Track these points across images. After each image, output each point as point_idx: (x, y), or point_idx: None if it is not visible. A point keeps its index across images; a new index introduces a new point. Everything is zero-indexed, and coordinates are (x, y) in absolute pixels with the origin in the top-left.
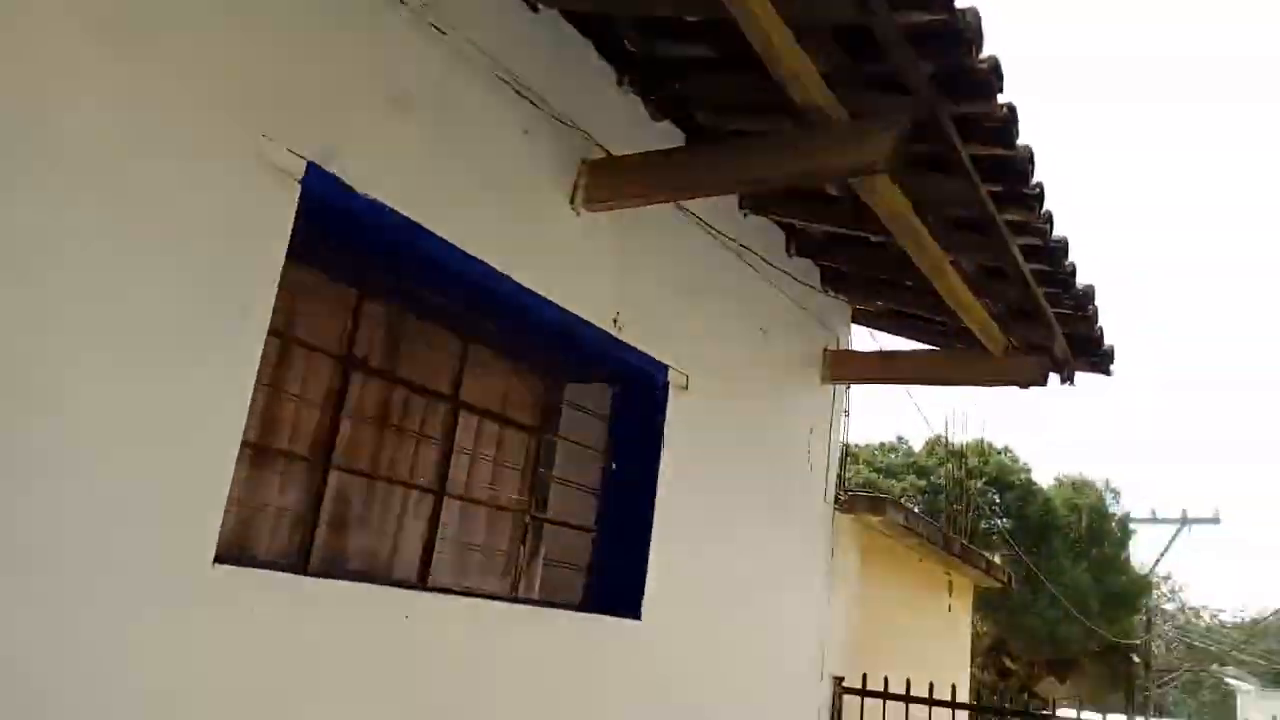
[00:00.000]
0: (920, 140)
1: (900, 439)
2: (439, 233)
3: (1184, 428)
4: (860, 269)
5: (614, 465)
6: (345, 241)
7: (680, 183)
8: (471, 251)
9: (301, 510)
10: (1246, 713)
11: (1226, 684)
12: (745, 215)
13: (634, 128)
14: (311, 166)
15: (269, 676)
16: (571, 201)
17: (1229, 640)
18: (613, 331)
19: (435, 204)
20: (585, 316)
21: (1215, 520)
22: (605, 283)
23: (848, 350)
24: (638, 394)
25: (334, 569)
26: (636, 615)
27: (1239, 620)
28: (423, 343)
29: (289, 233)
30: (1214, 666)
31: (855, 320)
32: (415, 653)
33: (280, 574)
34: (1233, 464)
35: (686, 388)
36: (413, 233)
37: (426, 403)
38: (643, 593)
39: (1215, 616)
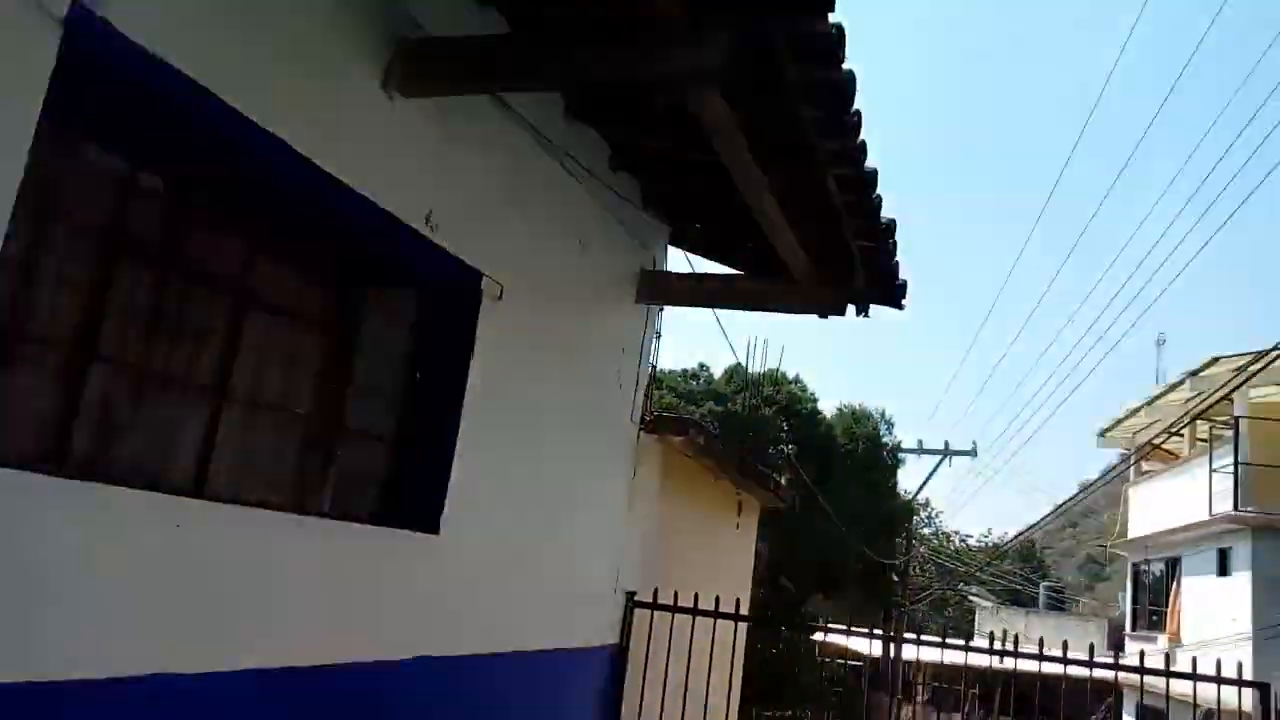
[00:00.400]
0: (750, 56)
1: (702, 366)
2: (231, 103)
3: (952, 367)
4: (680, 189)
5: (418, 374)
6: (118, 103)
7: (503, 73)
8: (268, 128)
9: (56, 407)
10: (984, 626)
11: (970, 601)
12: (570, 121)
13: (456, 10)
14: (76, 7)
15: (7, 582)
16: (384, 84)
17: (975, 562)
18: (424, 231)
19: (228, 70)
20: (395, 212)
21: (973, 453)
22: (419, 178)
23: (663, 271)
24: (448, 300)
25: (93, 472)
26: (434, 530)
27: (983, 544)
28: (207, 228)
29: (46, 86)
30: (961, 586)
31: (672, 242)
32: (188, 565)
33: (25, 474)
34: (990, 403)
35: (500, 297)
36: (200, 100)
37: (209, 296)
38: (442, 507)
39: (964, 540)
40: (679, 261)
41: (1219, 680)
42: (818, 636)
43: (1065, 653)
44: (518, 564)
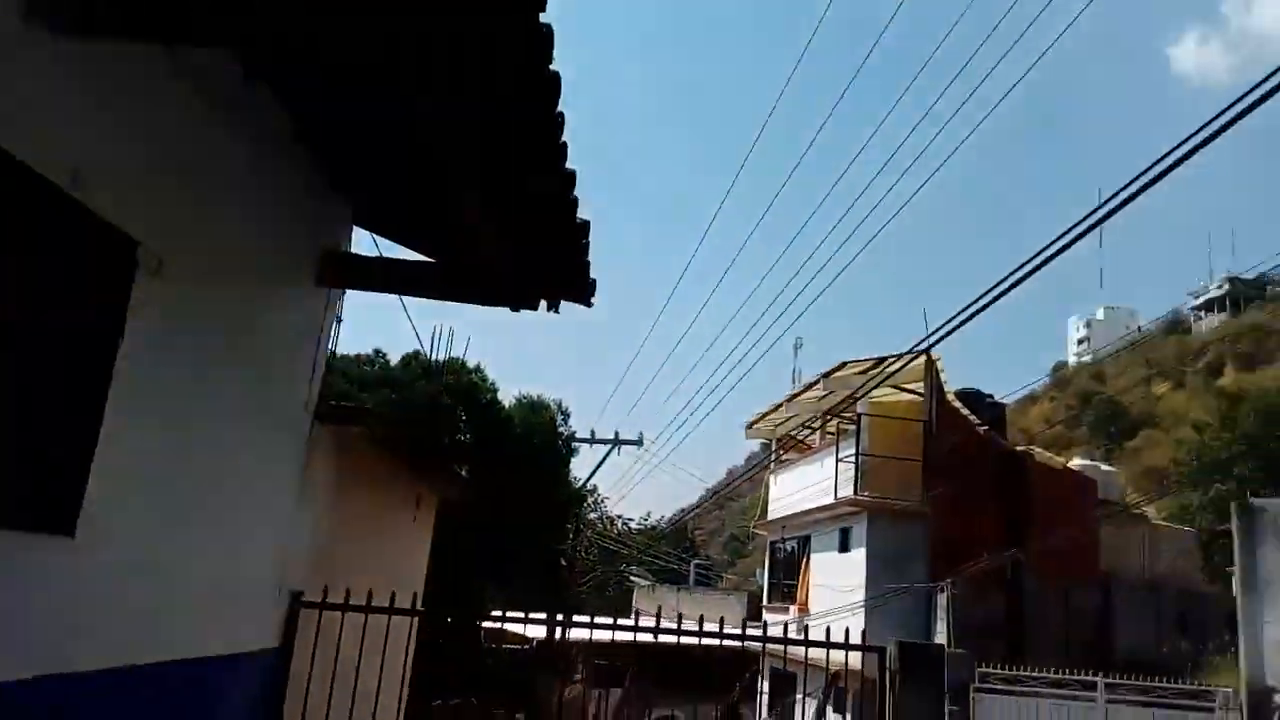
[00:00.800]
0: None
1: (378, 352)
2: None
3: (626, 361)
4: (372, 167)
5: (54, 352)
6: None
7: (167, 18)
8: None
9: None
10: (640, 604)
11: (630, 581)
12: (249, 83)
13: None
14: None
15: None
16: (26, 17)
17: (635, 544)
18: (70, 190)
19: None
20: (33, 165)
21: (639, 443)
22: (66, 130)
23: (348, 253)
24: (95, 271)
25: None
26: (69, 532)
27: (643, 527)
28: None
29: None
30: (623, 567)
31: (359, 223)
32: None
33: None
34: (658, 396)
35: (159, 271)
36: None
37: None
38: (79, 506)
39: (626, 524)
40: (366, 243)
41: (847, 646)
42: (491, 624)
43: (722, 628)
44: (169, 566)
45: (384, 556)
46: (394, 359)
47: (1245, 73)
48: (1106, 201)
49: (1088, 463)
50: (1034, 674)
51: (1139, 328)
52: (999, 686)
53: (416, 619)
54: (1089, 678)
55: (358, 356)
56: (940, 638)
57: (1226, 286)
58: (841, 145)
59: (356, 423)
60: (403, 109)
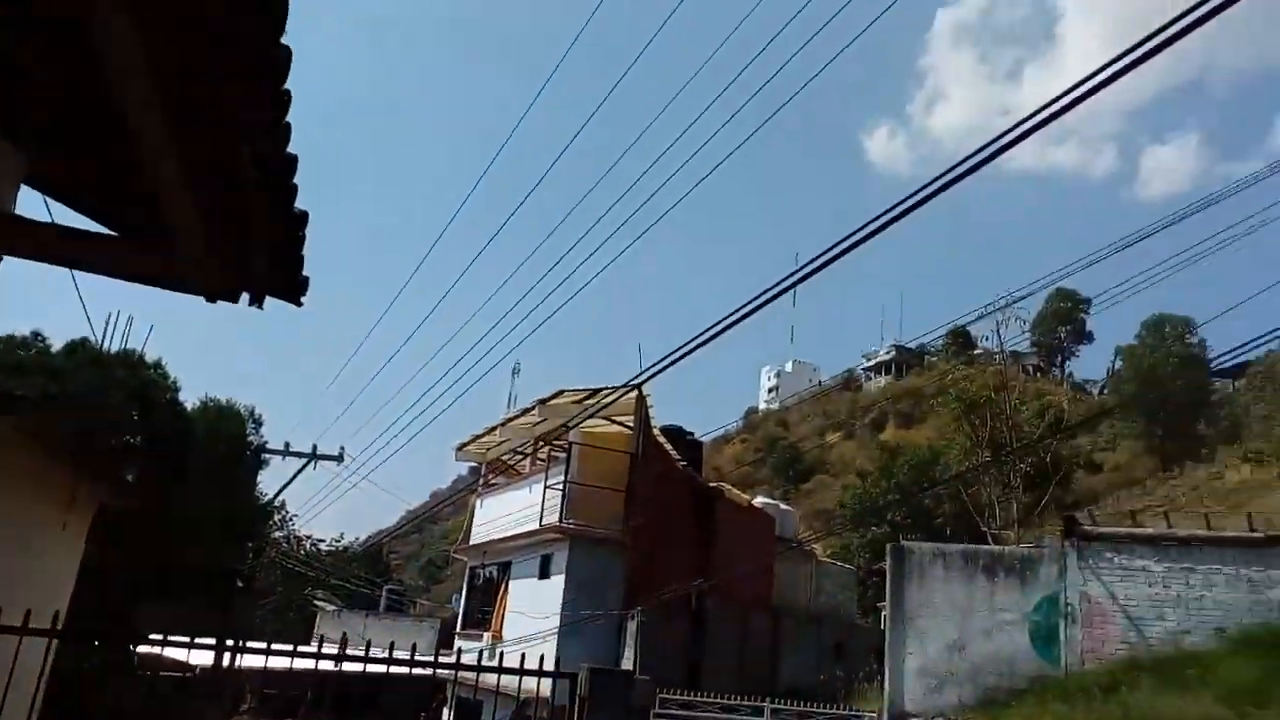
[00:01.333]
0: None
1: (37, 334)
2: None
3: (333, 374)
4: (49, 118)
5: None
6: None
7: None
8: None
9: None
10: (324, 630)
11: (314, 605)
12: None
13: None
14: None
15: None
16: None
17: (324, 566)
18: None
19: None
20: None
21: (339, 458)
22: None
23: (14, 215)
24: None
25: None
26: None
27: (334, 548)
28: None
29: None
30: (309, 590)
31: (32, 183)
32: None
33: None
34: (365, 411)
35: None
36: None
37: None
38: None
39: (316, 545)
40: (36, 206)
41: (540, 673)
42: (149, 649)
43: (414, 655)
44: None
45: (22, 567)
46: (56, 345)
47: (920, 166)
48: (800, 268)
49: (769, 501)
50: (709, 698)
51: (820, 382)
52: (677, 711)
53: (56, 641)
54: (757, 703)
55: (10, 338)
56: (628, 663)
57: (893, 352)
58: (574, 184)
59: (6, 411)
60: (83, 40)
